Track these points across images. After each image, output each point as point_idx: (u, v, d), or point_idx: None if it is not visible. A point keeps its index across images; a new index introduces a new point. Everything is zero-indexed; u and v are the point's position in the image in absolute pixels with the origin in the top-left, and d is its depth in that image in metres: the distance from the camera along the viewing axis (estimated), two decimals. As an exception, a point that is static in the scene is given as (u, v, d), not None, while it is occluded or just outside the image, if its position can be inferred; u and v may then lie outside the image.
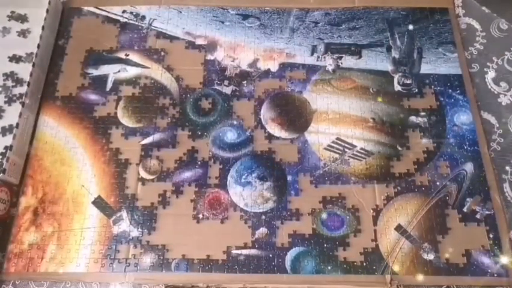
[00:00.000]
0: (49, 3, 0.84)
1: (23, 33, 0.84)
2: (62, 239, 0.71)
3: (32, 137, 0.79)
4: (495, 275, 0.68)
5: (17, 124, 0.74)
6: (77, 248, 0.70)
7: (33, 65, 0.79)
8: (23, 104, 0.76)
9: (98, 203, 0.74)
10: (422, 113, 0.80)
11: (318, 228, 0.71)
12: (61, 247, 0.70)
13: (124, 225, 0.72)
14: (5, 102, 0.78)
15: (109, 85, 0.84)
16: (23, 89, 0.78)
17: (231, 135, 0.79)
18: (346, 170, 0.76)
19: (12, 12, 0.86)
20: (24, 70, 0.80)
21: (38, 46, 0.81)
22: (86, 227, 0.72)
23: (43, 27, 0.82)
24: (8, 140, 0.73)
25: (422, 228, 0.71)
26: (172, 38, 0.88)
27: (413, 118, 0.80)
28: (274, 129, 0.79)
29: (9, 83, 0.80)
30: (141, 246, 0.70)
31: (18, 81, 0.80)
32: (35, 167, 0.76)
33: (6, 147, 0.72)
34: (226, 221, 0.72)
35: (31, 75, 0.78)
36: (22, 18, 0.86)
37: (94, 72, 0.85)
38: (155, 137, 0.79)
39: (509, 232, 0.71)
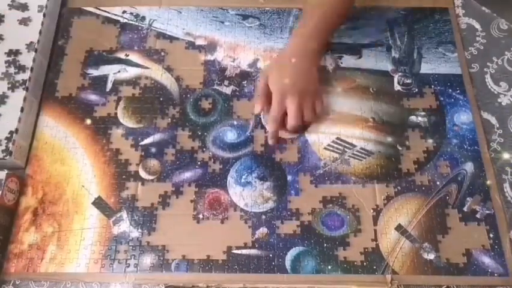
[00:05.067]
0: None
1: (24, 22, 0.84)
2: (62, 240, 0.71)
3: (32, 137, 0.79)
4: (495, 274, 0.68)
5: (22, 108, 0.76)
6: (77, 248, 0.70)
7: (36, 51, 0.80)
8: (26, 88, 0.77)
9: (98, 203, 0.74)
10: (422, 113, 0.80)
11: (318, 228, 0.71)
12: (61, 247, 0.70)
13: (124, 225, 0.72)
14: (8, 88, 0.78)
15: (109, 85, 0.84)
16: (25, 75, 0.79)
17: (231, 135, 0.79)
18: (346, 169, 0.76)
19: (13, 1, 0.86)
20: (26, 57, 0.81)
21: (40, 32, 0.82)
22: (86, 227, 0.72)
23: (44, 15, 0.84)
24: (13, 124, 0.74)
25: (422, 228, 0.71)
26: (172, 39, 0.88)
27: (413, 118, 0.80)
28: (274, 129, 0.79)
29: (12, 69, 0.80)
30: (141, 246, 0.70)
31: (21, 68, 0.80)
32: (35, 167, 0.76)
33: (11, 132, 0.74)
34: (226, 221, 0.72)
35: (34, 61, 0.80)
36: (23, 7, 0.86)
37: (94, 72, 0.85)
38: (156, 137, 0.79)
39: (509, 232, 0.71)
